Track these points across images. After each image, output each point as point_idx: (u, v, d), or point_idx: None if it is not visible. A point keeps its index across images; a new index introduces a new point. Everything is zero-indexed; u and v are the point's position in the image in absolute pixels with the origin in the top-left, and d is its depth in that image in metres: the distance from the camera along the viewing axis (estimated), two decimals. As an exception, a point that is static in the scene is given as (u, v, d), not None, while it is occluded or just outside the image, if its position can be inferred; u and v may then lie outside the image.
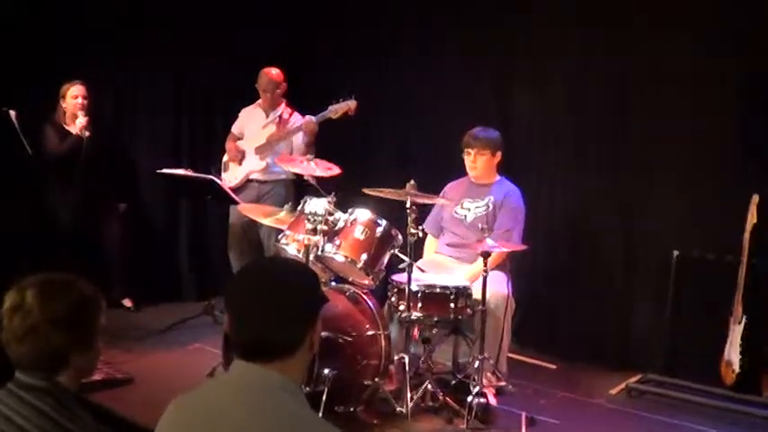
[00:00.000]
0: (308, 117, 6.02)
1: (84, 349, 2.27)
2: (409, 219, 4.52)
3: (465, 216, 5.23)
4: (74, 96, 6.15)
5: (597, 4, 5.69)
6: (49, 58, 6.23)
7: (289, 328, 1.94)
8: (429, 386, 4.53)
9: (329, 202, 4.74)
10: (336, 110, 5.77)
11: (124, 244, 6.58)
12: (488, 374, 4.74)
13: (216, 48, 7.02)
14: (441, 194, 5.26)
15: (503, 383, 4.84)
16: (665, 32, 5.38)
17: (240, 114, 6.53)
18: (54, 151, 6.09)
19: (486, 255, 4.53)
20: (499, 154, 5.22)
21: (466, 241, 5.07)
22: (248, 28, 7.01)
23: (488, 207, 5.17)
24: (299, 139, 6.14)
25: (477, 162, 5.19)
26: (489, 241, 4.56)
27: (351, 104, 5.77)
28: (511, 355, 5.36)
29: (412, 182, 4.53)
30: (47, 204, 6.22)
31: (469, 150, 5.19)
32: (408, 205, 4.51)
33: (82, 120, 6.04)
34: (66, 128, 6.18)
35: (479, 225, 4.84)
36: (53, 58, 6.27)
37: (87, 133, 6.00)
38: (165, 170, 6.02)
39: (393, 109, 6.85)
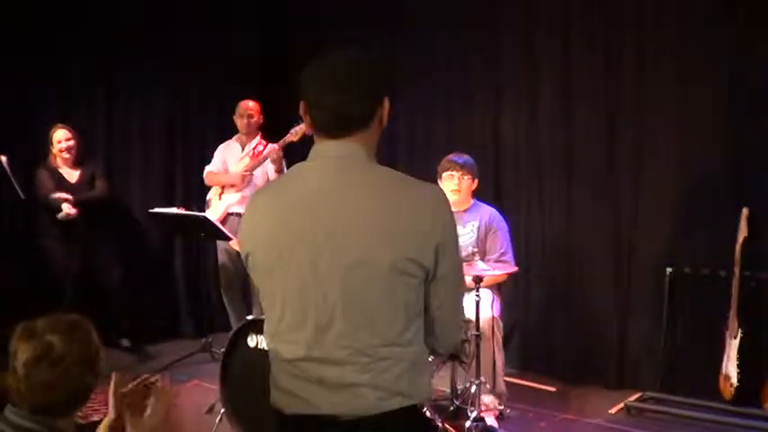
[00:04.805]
0: (271, 146, 6.12)
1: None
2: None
3: None
4: (58, 141, 6.21)
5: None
6: (41, 99, 6.34)
7: (364, 100, 2.11)
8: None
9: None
10: (297, 131, 5.82)
11: (121, 284, 6.60)
12: (486, 399, 4.74)
13: (207, 87, 7.13)
14: None
15: (502, 407, 4.84)
16: (652, 57, 5.43)
17: (217, 152, 6.52)
18: (47, 197, 6.10)
19: (478, 279, 4.54)
20: (476, 180, 5.14)
21: None
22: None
23: (474, 233, 5.05)
24: (271, 169, 6.20)
25: (461, 185, 5.04)
26: (481, 264, 4.56)
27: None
28: (510, 379, 5.35)
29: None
30: (44, 248, 6.25)
31: (453, 173, 5.04)
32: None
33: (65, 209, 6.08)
34: (60, 171, 6.23)
35: (470, 249, 4.83)
36: (46, 100, 6.38)
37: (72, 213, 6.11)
38: (157, 209, 6.05)
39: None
